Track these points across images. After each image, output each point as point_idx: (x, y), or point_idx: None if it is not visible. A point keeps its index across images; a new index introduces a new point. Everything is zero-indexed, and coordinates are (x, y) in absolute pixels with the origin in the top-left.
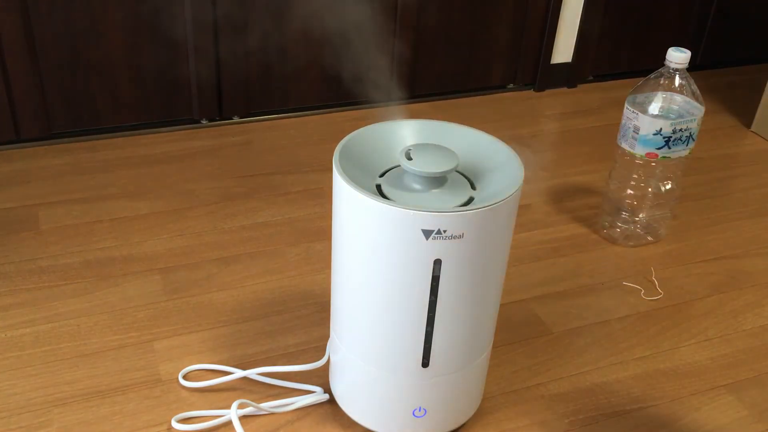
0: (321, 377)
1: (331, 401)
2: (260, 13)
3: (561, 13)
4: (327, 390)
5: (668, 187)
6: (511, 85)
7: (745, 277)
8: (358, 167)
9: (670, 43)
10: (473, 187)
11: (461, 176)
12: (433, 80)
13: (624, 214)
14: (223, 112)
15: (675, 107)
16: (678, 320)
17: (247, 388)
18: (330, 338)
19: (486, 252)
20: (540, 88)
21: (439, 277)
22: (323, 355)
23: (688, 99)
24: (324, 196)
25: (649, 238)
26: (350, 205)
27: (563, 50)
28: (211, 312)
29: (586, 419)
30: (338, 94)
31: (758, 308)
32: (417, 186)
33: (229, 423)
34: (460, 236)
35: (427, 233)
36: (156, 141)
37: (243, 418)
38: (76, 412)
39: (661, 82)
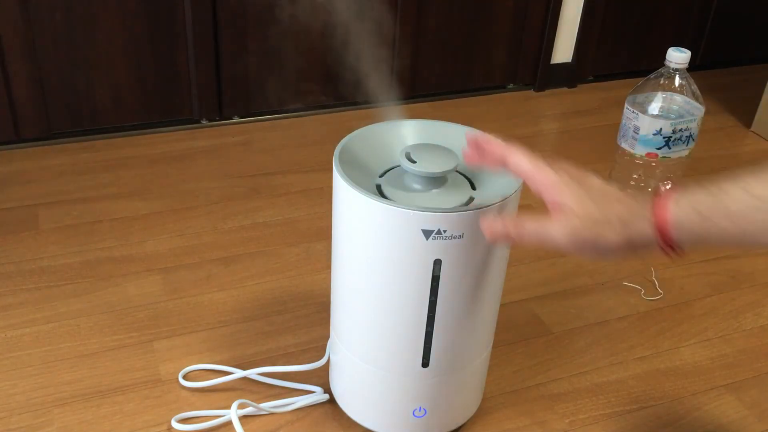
0: (321, 377)
1: (331, 401)
2: (260, 12)
3: (561, 13)
4: (327, 390)
5: (668, 187)
6: (511, 85)
7: (745, 277)
8: (358, 167)
9: (670, 43)
10: (473, 187)
11: (461, 176)
12: (433, 80)
13: None
14: (223, 112)
15: (675, 107)
16: (678, 320)
17: (247, 388)
18: (330, 338)
19: (486, 252)
20: (540, 88)
21: (439, 277)
22: (323, 355)
23: (688, 99)
24: (324, 196)
25: None
26: (350, 205)
27: (563, 50)
28: (211, 312)
29: (586, 419)
30: (338, 94)
31: (758, 308)
32: (417, 186)
33: (229, 423)
34: (460, 236)
35: (427, 233)
36: (156, 141)
37: (243, 418)
38: (76, 412)
39: (661, 82)
